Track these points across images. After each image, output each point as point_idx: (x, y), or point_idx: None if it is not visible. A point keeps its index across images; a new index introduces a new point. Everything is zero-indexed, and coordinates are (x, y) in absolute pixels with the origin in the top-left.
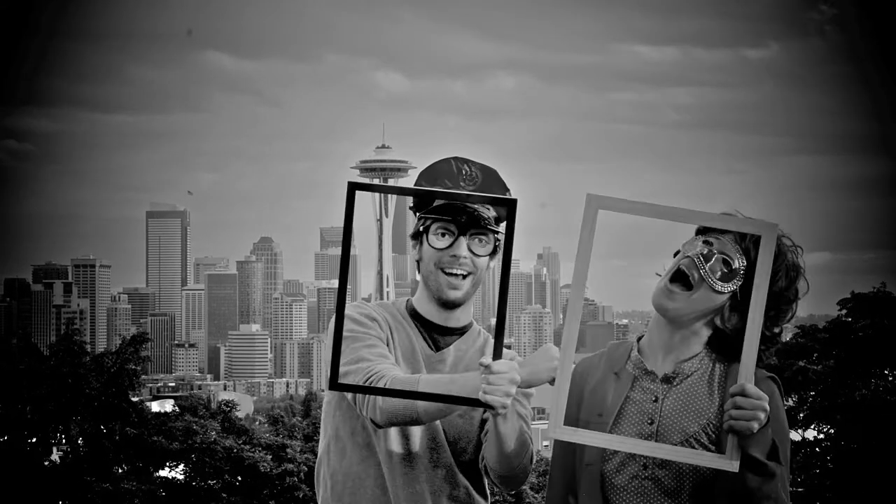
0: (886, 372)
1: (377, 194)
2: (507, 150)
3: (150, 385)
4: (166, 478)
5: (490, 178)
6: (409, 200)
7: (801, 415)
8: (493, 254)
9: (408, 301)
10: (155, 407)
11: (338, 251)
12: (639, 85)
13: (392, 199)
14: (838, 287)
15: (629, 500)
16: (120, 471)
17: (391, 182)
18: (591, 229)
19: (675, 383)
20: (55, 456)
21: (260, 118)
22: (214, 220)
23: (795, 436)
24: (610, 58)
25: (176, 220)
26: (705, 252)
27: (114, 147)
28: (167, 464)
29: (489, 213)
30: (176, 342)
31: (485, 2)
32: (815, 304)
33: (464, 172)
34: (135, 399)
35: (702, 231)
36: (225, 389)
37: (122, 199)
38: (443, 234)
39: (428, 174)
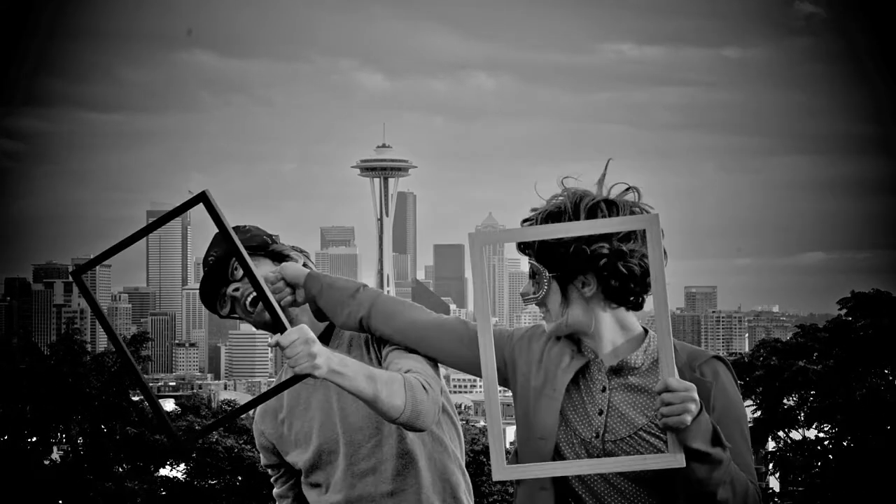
0: (886, 371)
1: (378, 193)
2: (495, 150)
3: (151, 384)
4: (167, 477)
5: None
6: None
7: (802, 415)
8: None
9: None
10: None
11: (338, 251)
12: (628, 84)
13: (393, 198)
14: (835, 287)
15: (589, 481)
16: (121, 470)
17: (391, 181)
18: (482, 265)
19: (622, 374)
20: (56, 455)
21: (259, 119)
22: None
23: (796, 435)
24: (602, 58)
25: (176, 219)
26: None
27: (114, 147)
28: (168, 463)
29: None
30: (176, 341)
31: (480, 2)
32: (814, 304)
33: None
34: (135, 398)
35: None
36: (225, 389)
37: (122, 198)
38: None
39: (209, 261)
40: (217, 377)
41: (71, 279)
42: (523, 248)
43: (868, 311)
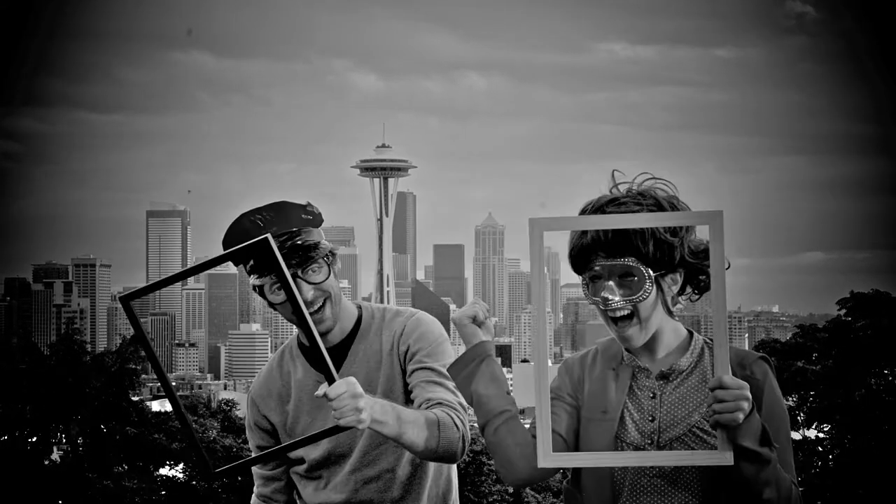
0: (886, 372)
1: (377, 193)
2: (493, 150)
3: (151, 385)
4: (167, 476)
5: (282, 212)
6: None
7: (801, 415)
8: (331, 268)
9: (297, 335)
10: (155, 406)
11: (338, 251)
12: (624, 85)
13: (393, 198)
14: (835, 287)
15: (639, 497)
16: (120, 469)
17: (391, 181)
18: (541, 252)
19: (671, 379)
20: (55, 455)
21: (258, 119)
22: (214, 219)
23: (796, 435)
24: (597, 58)
25: (176, 219)
26: (601, 294)
27: (114, 147)
28: (167, 462)
29: (311, 238)
30: (176, 342)
31: (476, 3)
32: (814, 304)
33: (259, 221)
34: (135, 399)
35: (582, 268)
36: (225, 389)
37: (122, 198)
38: (278, 288)
39: (231, 239)
40: (217, 377)
41: (118, 304)
42: (593, 247)
43: (867, 311)
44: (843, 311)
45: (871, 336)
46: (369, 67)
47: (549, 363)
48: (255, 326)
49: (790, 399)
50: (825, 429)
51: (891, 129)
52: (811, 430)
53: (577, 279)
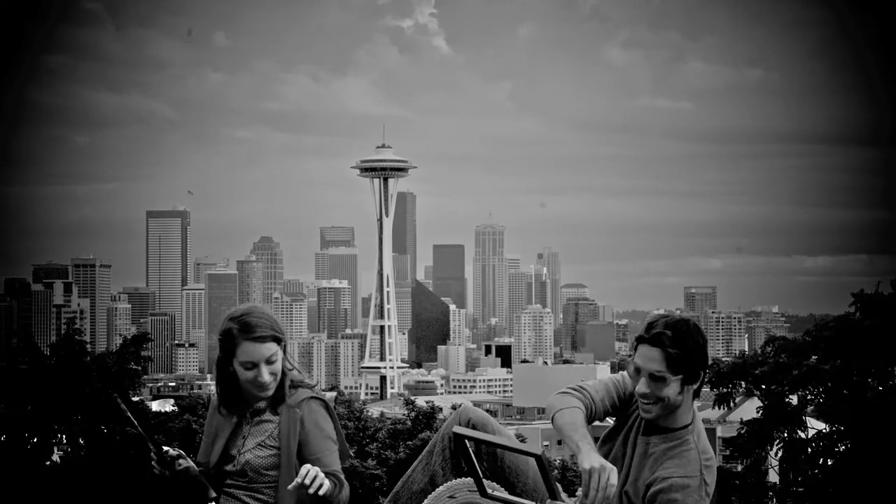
0: (892, 370)
1: (377, 194)
2: (494, 150)
3: (151, 385)
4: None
5: None
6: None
7: (807, 412)
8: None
9: None
10: (155, 406)
11: (338, 251)
12: (628, 89)
13: (393, 198)
14: (836, 288)
15: None
16: (120, 471)
17: (391, 181)
18: None
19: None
20: (56, 456)
21: (258, 118)
22: (215, 219)
23: (801, 432)
24: (603, 64)
25: (176, 219)
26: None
27: (114, 145)
28: None
29: None
30: (176, 342)
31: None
32: (814, 305)
33: None
34: (135, 399)
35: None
36: None
37: (122, 198)
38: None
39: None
40: None
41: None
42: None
43: (874, 310)
44: (850, 310)
45: (878, 334)
46: (371, 68)
47: (550, 362)
48: None
49: (796, 394)
50: (831, 427)
51: (894, 131)
52: (818, 428)
53: (576, 279)
